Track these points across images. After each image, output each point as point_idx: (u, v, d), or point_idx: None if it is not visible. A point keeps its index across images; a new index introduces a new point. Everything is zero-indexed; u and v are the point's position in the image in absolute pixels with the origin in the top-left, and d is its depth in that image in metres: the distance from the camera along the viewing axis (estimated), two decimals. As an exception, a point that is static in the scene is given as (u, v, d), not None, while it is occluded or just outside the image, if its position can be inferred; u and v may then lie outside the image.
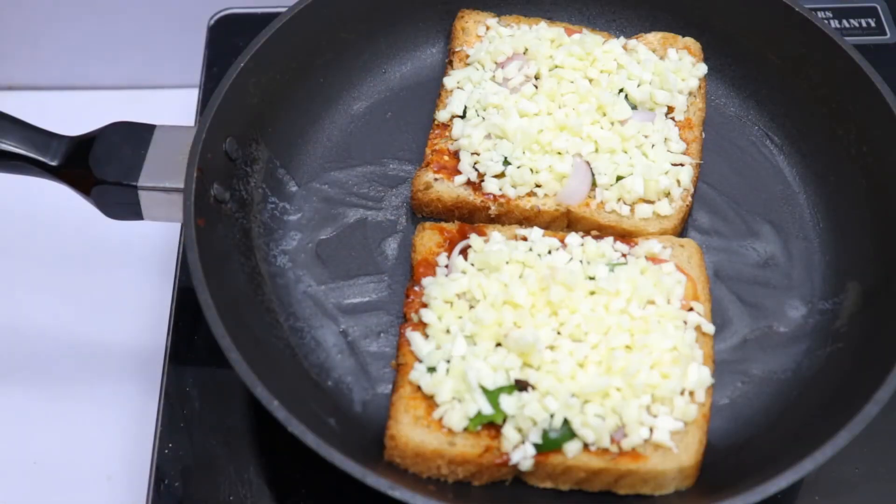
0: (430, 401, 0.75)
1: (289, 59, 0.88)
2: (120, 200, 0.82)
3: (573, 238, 0.82)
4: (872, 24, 1.07)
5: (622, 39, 0.92)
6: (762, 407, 0.80)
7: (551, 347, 0.76)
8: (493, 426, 0.74)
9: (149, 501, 0.80)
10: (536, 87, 0.88)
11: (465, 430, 0.74)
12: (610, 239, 0.82)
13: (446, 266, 0.81)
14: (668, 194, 0.85)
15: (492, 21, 0.93)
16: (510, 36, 0.91)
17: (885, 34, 1.07)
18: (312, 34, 0.89)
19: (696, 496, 0.75)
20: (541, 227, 0.84)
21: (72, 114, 1.06)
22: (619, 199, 0.84)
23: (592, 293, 0.78)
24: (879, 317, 0.80)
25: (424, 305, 0.79)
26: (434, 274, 0.80)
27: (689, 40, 0.93)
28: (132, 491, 0.88)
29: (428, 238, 0.82)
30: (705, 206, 0.88)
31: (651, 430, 0.74)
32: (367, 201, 0.87)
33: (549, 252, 0.80)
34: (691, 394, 0.76)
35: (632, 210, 0.84)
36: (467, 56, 0.91)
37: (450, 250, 0.81)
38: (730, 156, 0.91)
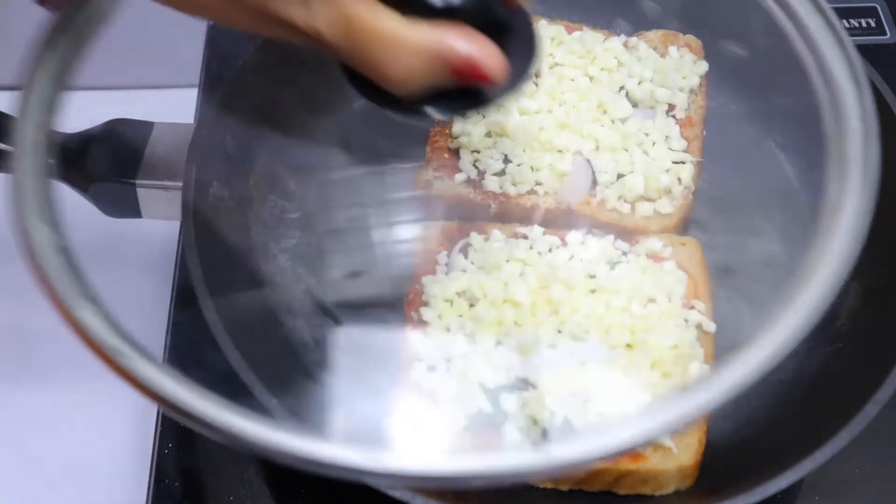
0: (430, 400, 0.75)
1: (289, 57, 0.88)
2: (118, 198, 0.82)
3: (574, 236, 0.82)
4: (872, 24, 1.07)
5: (623, 37, 0.92)
6: (762, 407, 0.80)
7: (552, 346, 0.76)
8: (493, 426, 0.74)
9: (149, 501, 0.80)
10: (536, 84, 0.88)
11: (465, 429, 0.74)
12: (611, 237, 0.82)
13: (446, 264, 0.81)
14: (669, 192, 0.85)
15: (492, 19, 0.93)
16: (510, 33, 0.91)
17: (885, 34, 1.07)
18: (313, 33, 0.89)
19: (696, 496, 0.75)
20: (541, 225, 0.84)
21: (72, 114, 1.06)
22: (619, 198, 0.84)
23: (593, 291, 0.78)
24: (879, 317, 0.80)
25: (424, 304, 0.79)
26: (434, 272, 0.80)
27: (691, 38, 0.92)
28: (132, 491, 0.88)
29: (428, 236, 0.82)
30: (706, 204, 0.88)
31: (652, 429, 0.74)
32: (367, 199, 0.87)
33: (550, 250, 0.80)
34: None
35: (632, 208, 0.84)
36: (467, 54, 0.91)
37: (450, 248, 0.81)
38: (731, 154, 0.90)
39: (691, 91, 0.90)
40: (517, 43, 0.65)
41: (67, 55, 0.71)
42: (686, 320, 0.78)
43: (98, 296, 0.64)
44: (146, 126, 0.83)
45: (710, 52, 0.92)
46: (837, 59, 0.75)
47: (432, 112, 0.64)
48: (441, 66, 0.61)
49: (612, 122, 0.86)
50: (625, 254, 0.81)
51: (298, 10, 0.61)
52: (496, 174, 0.85)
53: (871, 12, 1.08)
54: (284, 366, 0.79)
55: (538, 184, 0.84)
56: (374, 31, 0.60)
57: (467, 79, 0.62)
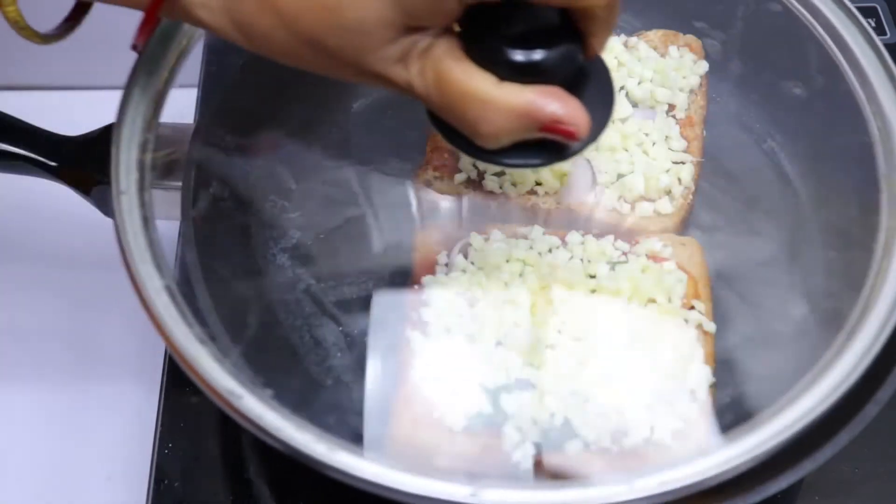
0: (430, 400, 0.75)
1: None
2: (119, 199, 0.82)
3: (573, 236, 0.82)
4: (872, 24, 1.07)
5: (623, 37, 0.92)
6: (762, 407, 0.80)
7: (552, 346, 0.76)
8: (493, 426, 0.74)
9: (149, 501, 0.80)
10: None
11: (465, 429, 0.74)
12: (610, 237, 0.82)
13: (446, 264, 0.81)
14: (669, 192, 0.85)
15: (492, 19, 0.93)
16: (511, 33, 0.91)
17: (885, 34, 1.07)
18: (312, 32, 0.89)
19: (697, 496, 0.75)
20: (541, 225, 0.84)
21: (72, 114, 1.06)
22: (619, 198, 0.84)
23: (593, 291, 0.78)
24: (880, 316, 0.80)
25: (424, 304, 0.78)
26: (434, 272, 0.80)
27: (691, 38, 0.92)
28: (132, 491, 0.88)
29: (428, 236, 0.82)
30: (706, 204, 0.87)
31: (652, 429, 0.74)
32: (367, 199, 0.87)
33: (550, 250, 0.80)
34: (692, 393, 0.76)
35: (632, 208, 0.84)
36: (468, 53, 0.91)
37: (450, 248, 0.81)
38: (731, 154, 0.90)
39: (691, 91, 0.90)
40: (595, 92, 0.69)
41: (156, 94, 0.77)
42: (686, 320, 0.78)
43: (206, 335, 0.69)
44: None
45: (710, 52, 0.92)
46: (890, 98, 0.77)
47: (515, 162, 0.68)
48: (530, 125, 0.65)
49: (612, 122, 0.86)
50: (625, 254, 0.81)
51: (395, 67, 0.65)
52: (496, 174, 0.85)
53: (871, 12, 1.08)
54: (284, 365, 0.79)
55: (538, 184, 0.84)
56: (468, 91, 0.64)
57: (554, 135, 0.66)
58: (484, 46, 0.65)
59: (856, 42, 0.84)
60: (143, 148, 0.75)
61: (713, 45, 0.92)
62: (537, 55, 0.65)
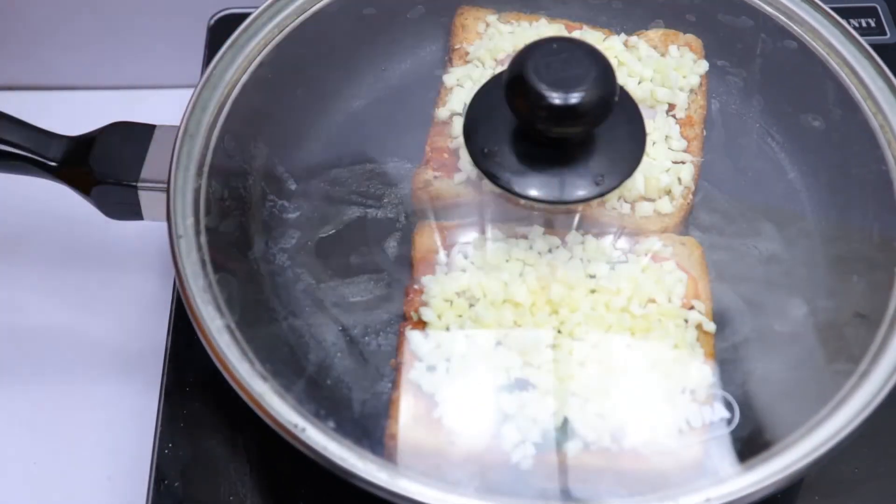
0: (430, 400, 0.75)
1: (289, 57, 0.88)
2: (120, 200, 0.82)
3: (573, 236, 0.82)
4: (872, 24, 1.07)
5: (623, 36, 0.92)
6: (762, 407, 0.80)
7: (552, 346, 0.76)
8: (492, 426, 0.74)
9: (149, 501, 0.80)
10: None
11: (465, 429, 0.74)
12: (610, 237, 0.82)
13: (446, 264, 0.80)
14: (669, 192, 0.84)
15: (492, 18, 0.92)
16: (510, 33, 0.91)
17: (885, 34, 1.07)
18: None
19: (697, 496, 0.75)
20: (541, 225, 0.84)
21: (72, 114, 1.06)
22: (619, 198, 0.84)
23: (593, 291, 0.78)
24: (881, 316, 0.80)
25: (424, 304, 0.78)
26: (434, 272, 0.80)
27: (691, 37, 0.92)
28: (132, 491, 0.88)
29: (427, 236, 0.82)
30: (707, 204, 0.87)
31: (652, 429, 0.74)
32: (367, 199, 0.87)
33: (550, 250, 0.80)
34: (692, 393, 0.76)
35: (632, 208, 0.84)
36: (467, 53, 0.91)
37: (450, 248, 0.81)
38: (731, 154, 0.90)
39: (691, 91, 0.90)
40: (626, 126, 0.77)
41: (206, 141, 0.81)
42: (686, 320, 0.78)
43: (266, 371, 0.72)
44: (147, 129, 0.83)
45: (710, 52, 0.92)
46: None
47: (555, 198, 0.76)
48: None
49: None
50: (625, 254, 0.81)
51: None
52: (496, 174, 0.85)
53: (871, 12, 1.08)
54: (283, 365, 0.79)
55: (538, 184, 0.84)
56: None
57: None
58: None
59: (868, 74, 0.86)
60: (196, 193, 0.78)
61: (736, 83, 0.93)
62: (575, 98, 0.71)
